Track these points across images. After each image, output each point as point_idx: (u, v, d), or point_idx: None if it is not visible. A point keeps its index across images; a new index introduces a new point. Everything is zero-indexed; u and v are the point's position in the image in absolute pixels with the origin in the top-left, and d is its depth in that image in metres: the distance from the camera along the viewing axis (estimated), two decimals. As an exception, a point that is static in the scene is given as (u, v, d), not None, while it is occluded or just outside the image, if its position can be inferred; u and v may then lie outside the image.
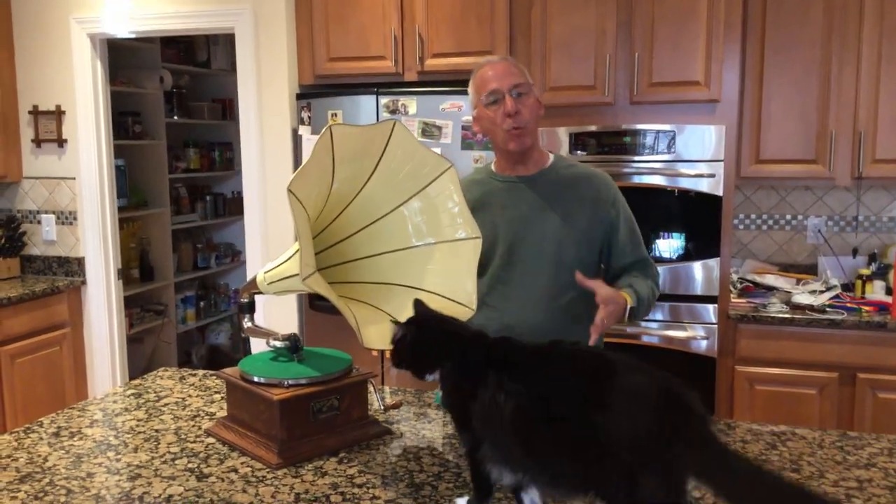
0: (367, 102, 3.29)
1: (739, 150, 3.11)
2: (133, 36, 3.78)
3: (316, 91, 3.47)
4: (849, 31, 3.02)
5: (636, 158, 2.96)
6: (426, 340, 1.33)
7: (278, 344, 1.71)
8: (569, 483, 1.13)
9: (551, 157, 1.98)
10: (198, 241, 5.34)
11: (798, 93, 3.09)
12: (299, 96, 3.46)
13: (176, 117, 5.00)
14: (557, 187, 1.92)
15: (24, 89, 3.87)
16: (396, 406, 1.84)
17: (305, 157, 3.41)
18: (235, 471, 1.50)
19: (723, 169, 2.88)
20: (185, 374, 2.17)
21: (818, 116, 3.08)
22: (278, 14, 3.46)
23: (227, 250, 5.55)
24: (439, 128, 3.17)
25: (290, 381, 1.58)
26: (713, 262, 2.92)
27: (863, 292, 3.09)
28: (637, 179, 2.96)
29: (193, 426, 1.74)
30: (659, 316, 2.98)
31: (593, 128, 3.02)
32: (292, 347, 1.70)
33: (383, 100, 3.26)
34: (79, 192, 3.84)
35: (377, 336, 1.52)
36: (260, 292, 1.74)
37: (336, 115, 3.34)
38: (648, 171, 2.95)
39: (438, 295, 1.62)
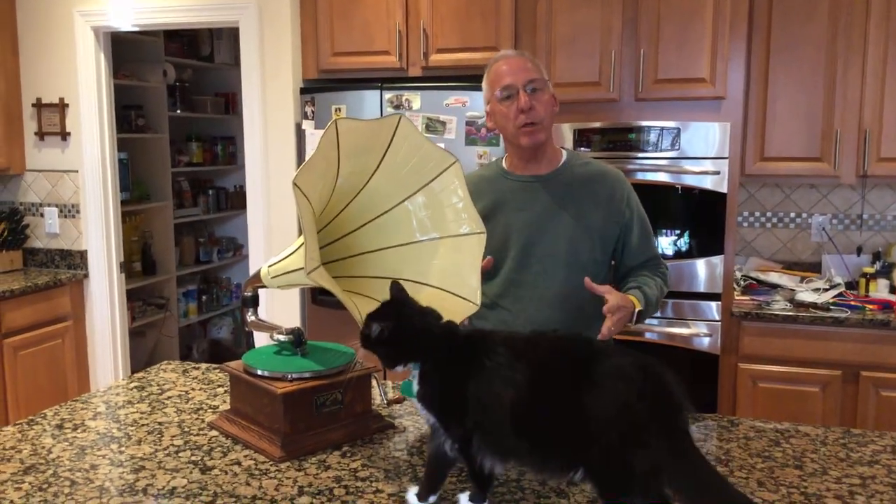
0: (371, 97, 3.29)
1: (744, 147, 3.10)
2: (137, 29, 3.78)
3: (320, 86, 3.47)
4: (854, 31, 3.01)
5: (641, 155, 2.96)
6: (406, 337, 1.28)
7: (282, 338, 1.71)
8: (558, 462, 1.18)
9: (564, 154, 1.95)
10: (200, 235, 5.34)
11: (803, 91, 3.08)
12: (303, 91, 3.45)
13: (179, 111, 4.99)
14: (571, 187, 1.89)
15: (27, 82, 3.87)
16: (399, 401, 1.84)
17: (309, 151, 3.43)
18: (239, 464, 1.50)
19: (727, 166, 2.87)
20: (189, 367, 2.17)
21: (823, 115, 3.07)
22: (283, 8, 3.46)
23: (229, 244, 5.56)
24: (443, 123, 3.17)
25: (294, 375, 1.58)
26: (717, 260, 2.92)
27: (867, 290, 3.08)
28: (641, 176, 2.95)
29: (197, 419, 1.75)
30: (662, 313, 2.98)
31: (598, 124, 3.01)
32: (296, 341, 1.70)
33: (387, 95, 3.26)
34: (82, 185, 3.84)
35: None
36: (264, 286, 1.74)
37: (340, 109, 3.34)
38: (653, 168, 2.94)
39: (443, 290, 1.62)
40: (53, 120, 3.84)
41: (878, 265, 3.18)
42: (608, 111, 3.04)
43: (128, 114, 4.59)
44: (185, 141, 5.15)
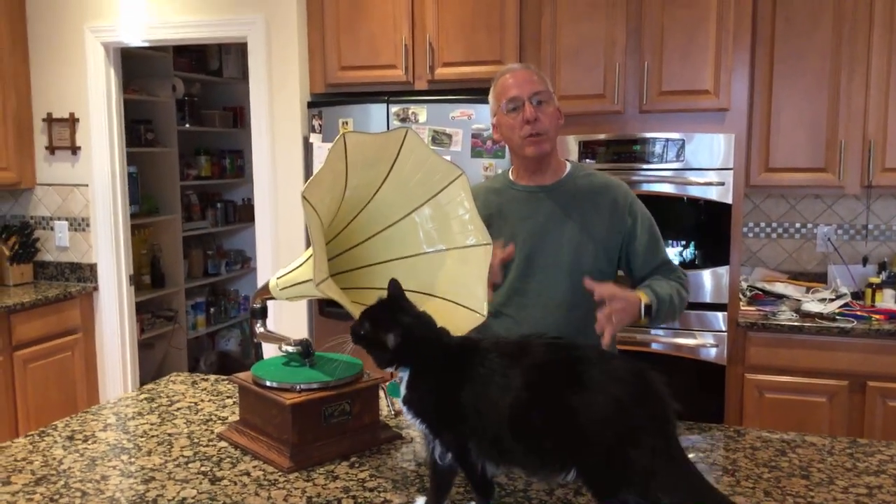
0: (377, 111, 3.32)
1: (749, 158, 3.12)
2: (146, 45, 3.82)
3: (327, 99, 3.50)
4: (858, 41, 3.03)
5: (645, 167, 2.97)
6: (405, 342, 1.28)
7: (290, 349, 1.73)
8: (553, 464, 1.20)
9: (568, 165, 1.98)
10: (208, 248, 5.38)
11: (807, 102, 3.10)
12: (310, 104, 3.49)
13: (187, 125, 5.04)
14: (575, 197, 1.91)
15: (38, 97, 3.92)
16: (407, 411, 1.85)
17: (316, 164, 3.45)
18: (248, 474, 1.51)
19: (732, 177, 2.88)
20: (198, 378, 2.18)
21: (828, 125, 3.08)
22: (290, 23, 3.50)
23: (237, 257, 5.59)
24: (449, 136, 3.19)
25: (302, 386, 1.59)
26: (723, 270, 2.92)
27: (873, 301, 3.08)
28: (646, 187, 2.96)
29: (206, 430, 1.76)
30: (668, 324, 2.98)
31: (603, 136, 3.03)
32: (304, 352, 1.71)
33: (394, 108, 3.29)
34: (91, 198, 3.88)
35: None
36: (272, 298, 1.76)
37: (347, 123, 3.37)
38: (658, 180, 2.96)
39: (450, 301, 1.64)
40: (64, 134, 3.88)
41: (883, 275, 3.18)
42: (613, 123, 3.06)
43: (137, 128, 4.63)
44: (193, 154, 5.20)
